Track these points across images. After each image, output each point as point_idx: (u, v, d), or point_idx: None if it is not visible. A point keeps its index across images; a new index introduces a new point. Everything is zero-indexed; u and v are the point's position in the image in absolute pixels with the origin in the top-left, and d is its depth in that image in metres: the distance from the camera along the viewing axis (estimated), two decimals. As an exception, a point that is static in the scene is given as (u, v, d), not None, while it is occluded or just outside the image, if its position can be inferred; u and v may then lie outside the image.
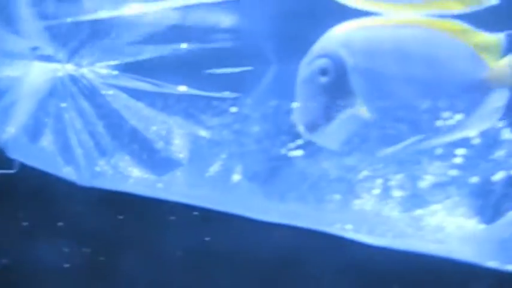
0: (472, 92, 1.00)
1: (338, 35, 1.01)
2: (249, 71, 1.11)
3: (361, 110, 1.01)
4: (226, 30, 1.11)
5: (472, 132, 1.02)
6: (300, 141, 1.08)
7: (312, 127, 1.02)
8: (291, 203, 1.10)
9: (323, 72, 1.00)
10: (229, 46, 1.12)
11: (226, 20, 1.11)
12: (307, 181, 1.09)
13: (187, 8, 1.11)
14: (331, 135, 1.02)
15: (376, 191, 1.07)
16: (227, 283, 1.39)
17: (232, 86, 1.13)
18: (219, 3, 1.09)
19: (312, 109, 1.01)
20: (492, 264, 1.00)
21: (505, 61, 1.00)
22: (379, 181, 1.07)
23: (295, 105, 1.06)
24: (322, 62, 1.00)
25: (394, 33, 1.00)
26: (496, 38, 0.99)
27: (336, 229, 1.08)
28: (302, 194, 1.10)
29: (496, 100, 1.01)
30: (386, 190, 1.06)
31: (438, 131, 1.02)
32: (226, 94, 1.14)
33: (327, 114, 1.00)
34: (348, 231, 1.08)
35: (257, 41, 1.09)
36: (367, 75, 1.00)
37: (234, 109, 1.14)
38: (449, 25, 1.01)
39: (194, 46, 1.13)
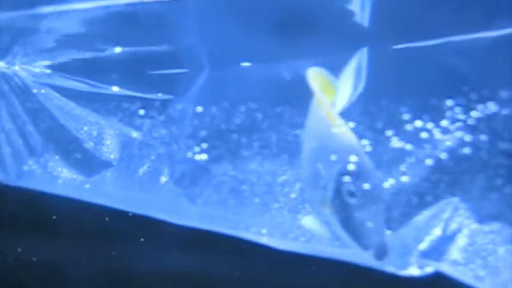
0: None
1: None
2: (183, 73, 1.11)
3: None
4: (161, 33, 1.11)
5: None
6: (222, 146, 1.09)
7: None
8: (212, 207, 1.10)
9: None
10: (165, 49, 1.12)
11: (162, 22, 1.10)
12: (228, 185, 1.10)
13: (124, 8, 1.10)
14: None
15: (294, 195, 1.06)
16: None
17: (166, 88, 1.14)
18: (155, 4, 1.08)
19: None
20: (389, 269, 1.00)
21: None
22: (297, 185, 1.06)
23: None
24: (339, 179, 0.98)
25: None
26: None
27: (251, 233, 1.07)
28: (223, 198, 1.10)
29: None
30: (302, 194, 1.05)
31: None
32: (159, 96, 1.14)
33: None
34: (263, 235, 1.07)
35: (192, 45, 1.09)
36: None
37: (165, 111, 1.14)
38: None
39: (129, 47, 1.13)
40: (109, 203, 1.14)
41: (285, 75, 1.08)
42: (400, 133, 0.95)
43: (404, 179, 0.96)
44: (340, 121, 1.00)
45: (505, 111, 0.93)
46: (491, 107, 0.93)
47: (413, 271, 0.99)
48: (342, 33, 1.04)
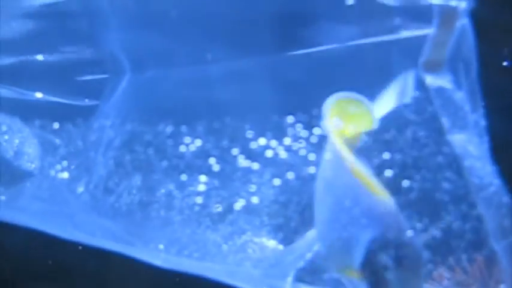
0: None
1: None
2: (106, 79, 1.09)
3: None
4: (84, 39, 1.09)
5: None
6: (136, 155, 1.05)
7: None
8: (120, 221, 1.05)
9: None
10: (88, 55, 1.09)
11: (84, 28, 1.08)
12: (136, 197, 1.05)
13: (47, 15, 1.08)
14: None
15: (197, 209, 1.02)
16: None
17: (91, 93, 1.10)
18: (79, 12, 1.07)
19: None
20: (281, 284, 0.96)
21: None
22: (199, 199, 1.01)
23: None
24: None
25: None
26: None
27: (150, 249, 1.02)
28: (131, 210, 1.05)
29: None
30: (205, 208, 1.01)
31: None
32: (85, 102, 1.11)
33: None
34: (160, 251, 1.02)
35: (113, 50, 1.07)
36: None
37: (89, 117, 1.10)
38: None
39: (52, 54, 1.10)
40: (24, 218, 1.10)
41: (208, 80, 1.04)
42: (246, 151, 0.89)
43: (255, 199, 0.90)
44: (369, 179, 0.87)
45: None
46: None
47: None
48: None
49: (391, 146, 0.95)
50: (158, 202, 1.04)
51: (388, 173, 0.92)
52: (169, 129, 1.06)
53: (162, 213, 1.04)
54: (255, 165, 0.94)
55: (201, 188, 0.96)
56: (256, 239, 1.01)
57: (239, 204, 0.98)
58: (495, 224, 0.89)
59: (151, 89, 1.08)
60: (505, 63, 1.12)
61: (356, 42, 0.97)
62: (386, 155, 0.94)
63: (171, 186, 0.99)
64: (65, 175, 1.10)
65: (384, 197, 0.84)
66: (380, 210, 0.84)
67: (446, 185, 0.95)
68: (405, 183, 0.94)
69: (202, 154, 0.96)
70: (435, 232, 0.95)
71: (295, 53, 0.95)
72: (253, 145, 0.93)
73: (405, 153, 0.96)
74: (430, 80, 0.91)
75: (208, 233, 1.01)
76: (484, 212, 0.90)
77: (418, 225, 0.95)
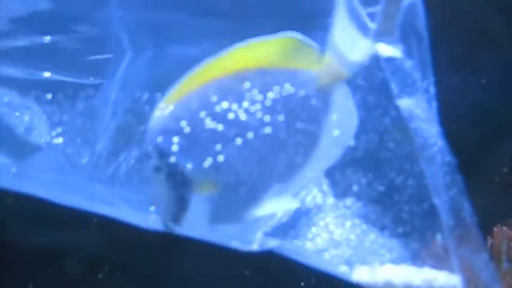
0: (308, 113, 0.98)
1: (158, 121, 0.99)
2: (109, 58, 1.17)
3: (208, 188, 0.99)
4: (88, 19, 1.17)
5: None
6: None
7: (175, 218, 1.00)
8: (118, 187, 1.15)
9: (157, 170, 0.98)
10: (93, 35, 1.17)
11: (89, 9, 1.17)
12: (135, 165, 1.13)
13: None
14: (194, 221, 1.01)
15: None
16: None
17: (96, 73, 1.19)
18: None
19: (166, 204, 0.99)
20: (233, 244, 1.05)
21: (326, 59, 0.99)
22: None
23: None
24: (147, 149, 0.99)
25: (210, 96, 0.98)
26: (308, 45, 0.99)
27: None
28: (131, 177, 1.13)
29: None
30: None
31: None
32: (90, 80, 1.19)
33: (179, 206, 0.99)
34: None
35: (115, 30, 1.15)
36: (192, 150, 0.98)
37: (94, 95, 1.19)
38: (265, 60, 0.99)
39: (59, 35, 1.18)
40: (34, 187, 1.18)
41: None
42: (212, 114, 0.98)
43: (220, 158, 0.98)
44: None
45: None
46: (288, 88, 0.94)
47: (254, 247, 1.00)
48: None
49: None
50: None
51: (336, 132, 1.01)
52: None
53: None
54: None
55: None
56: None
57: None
58: (436, 180, 0.97)
59: (152, 66, 1.16)
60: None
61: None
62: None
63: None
64: (71, 147, 1.19)
65: None
66: None
67: (391, 145, 1.03)
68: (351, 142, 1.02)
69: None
70: (379, 187, 1.03)
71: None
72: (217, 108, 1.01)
73: None
74: (381, 49, 0.98)
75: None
76: (427, 169, 0.97)
77: (363, 180, 1.04)
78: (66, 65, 1.19)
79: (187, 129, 0.96)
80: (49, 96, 1.20)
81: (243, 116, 0.97)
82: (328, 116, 0.99)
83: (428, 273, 1.06)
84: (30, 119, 1.23)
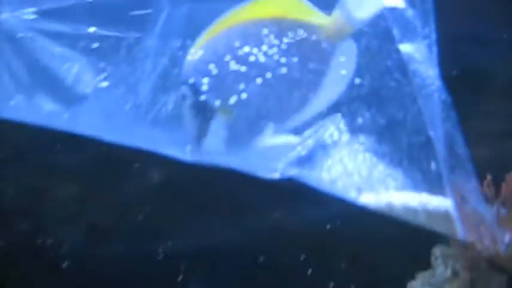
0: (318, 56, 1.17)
1: (190, 62, 1.21)
2: (149, 13, 1.30)
3: (225, 113, 1.18)
4: None
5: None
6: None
7: (197, 141, 1.20)
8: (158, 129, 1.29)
9: (184, 98, 1.19)
10: None
11: None
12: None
13: None
14: (213, 143, 1.20)
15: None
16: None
17: (136, 27, 1.31)
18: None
19: (191, 127, 1.20)
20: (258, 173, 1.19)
21: (334, 16, 1.18)
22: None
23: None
24: (182, 90, 1.20)
25: (233, 40, 1.17)
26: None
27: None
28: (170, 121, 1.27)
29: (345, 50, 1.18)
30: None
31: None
32: (131, 34, 1.31)
33: (202, 130, 1.19)
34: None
35: None
36: (222, 89, 1.18)
37: (134, 48, 1.32)
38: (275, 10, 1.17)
39: None
40: (85, 129, 1.32)
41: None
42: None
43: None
44: None
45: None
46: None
47: (276, 175, 1.15)
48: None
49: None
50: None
51: (343, 72, 1.15)
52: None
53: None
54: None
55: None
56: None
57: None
58: (432, 116, 1.10)
59: (187, 19, 1.29)
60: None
61: None
62: (343, 59, 1.16)
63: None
64: (115, 95, 1.32)
65: None
66: None
67: (392, 84, 1.16)
68: (357, 80, 1.16)
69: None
70: (381, 120, 1.17)
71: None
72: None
73: (360, 57, 1.17)
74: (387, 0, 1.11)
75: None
76: (423, 105, 1.10)
77: (367, 114, 1.17)
78: (110, 20, 1.31)
79: (212, 68, 1.12)
80: (95, 49, 1.33)
81: (261, 58, 1.12)
82: (333, 59, 1.13)
83: (424, 198, 1.19)
84: (78, 70, 1.34)
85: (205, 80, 1.18)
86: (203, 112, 1.18)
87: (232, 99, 1.17)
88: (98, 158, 1.72)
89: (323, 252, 1.77)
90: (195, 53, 1.20)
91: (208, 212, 1.82)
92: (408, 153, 1.19)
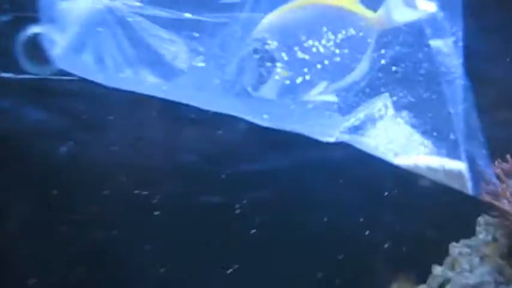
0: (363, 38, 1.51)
1: (264, 24, 1.55)
2: (237, 2, 1.59)
3: (283, 71, 1.51)
4: None
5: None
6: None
7: (255, 87, 1.54)
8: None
9: (255, 51, 1.52)
10: None
11: None
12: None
13: None
14: (269, 90, 1.55)
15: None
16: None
17: (225, 13, 1.59)
18: None
19: (253, 75, 1.53)
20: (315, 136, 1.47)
21: (378, 13, 1.53)
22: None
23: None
24: (255, 44, 1.54)
25: (301, 15, 1.52)
26: None
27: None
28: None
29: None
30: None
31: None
32: (221, 19, 1.59)
33: (262, 78, 1.52)
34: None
35: None
36: (285, 49, 1.51)
37: (223, 32, 1.59)
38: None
39: None
40: (182, 99, 1.60)
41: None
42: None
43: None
44: None
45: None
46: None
47: (332, 139, 1.46)
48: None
49: (388, 45, 1.51)
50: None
51: (383, 61, 1.47)
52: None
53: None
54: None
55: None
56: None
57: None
58: (453, 97, 1.41)
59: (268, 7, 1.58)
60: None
61: None
62: (383, 51, 1.48)
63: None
64: (206, 69, 1.60)
65: None
66: None
67: (422, 71, 1.48)
68: (394, 68, 1.48)
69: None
70: (411, 99, 1.48)
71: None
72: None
73: (396, 50, 1.50)
74: (421, 4, 1.42)
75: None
76: (446, 88, 1.42)
77: (400, 94, 1.49)
78: (203, 7, 1.57)
79: (281, 32, 1.51)
80: (190, 31, 1.59)
81: (321, 32, 1.50)
82: (370, 44, 1.47)
83: (443, 161, 1.50)
84: (175, 49, 1.61)
85: (274, 39, 1.51)
86: (267, 63, 1.50)
87: (293, 59, 1.49)
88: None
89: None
90: (269, 18, 1.52)
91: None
92: (434, 125, 1.50)
